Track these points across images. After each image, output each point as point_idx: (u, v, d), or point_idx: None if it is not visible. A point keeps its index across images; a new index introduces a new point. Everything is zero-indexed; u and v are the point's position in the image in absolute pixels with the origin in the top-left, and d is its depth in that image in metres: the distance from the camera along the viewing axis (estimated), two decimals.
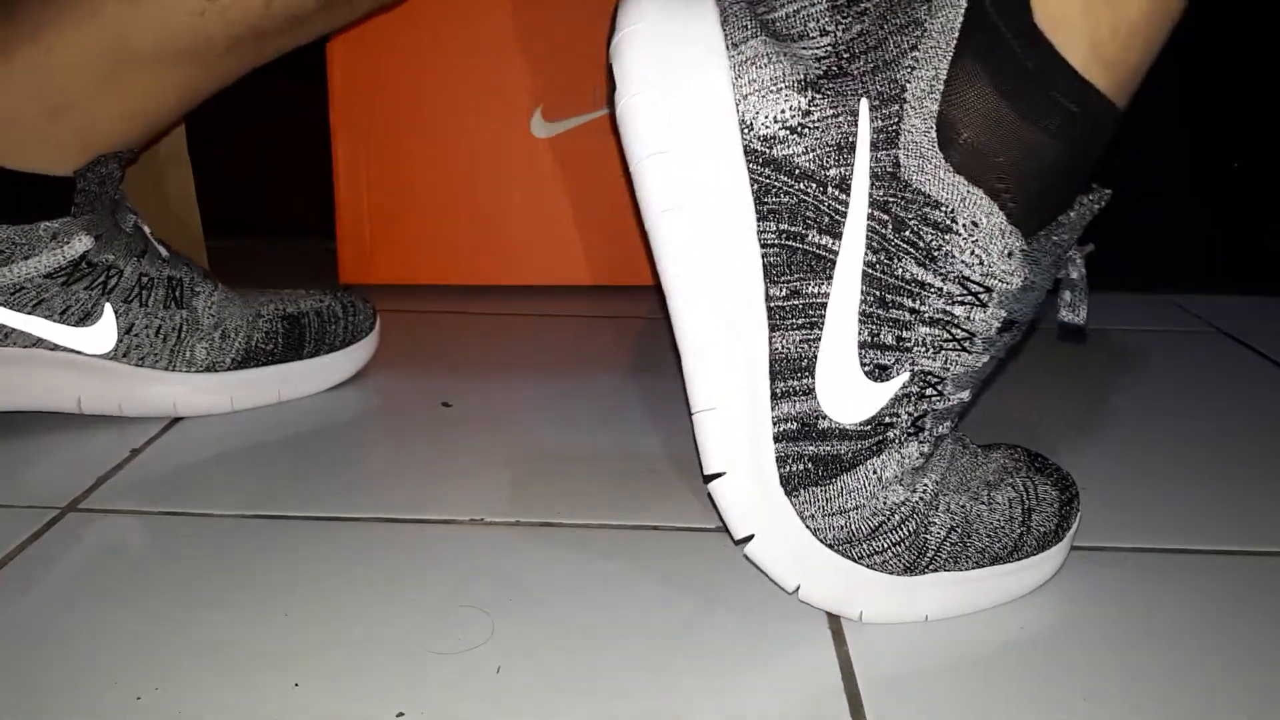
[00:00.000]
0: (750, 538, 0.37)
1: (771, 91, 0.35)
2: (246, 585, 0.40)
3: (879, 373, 0.36)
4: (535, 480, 0.48)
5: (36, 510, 0.45)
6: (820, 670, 0.35)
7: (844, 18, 0.35)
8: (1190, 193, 0.82)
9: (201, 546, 0.42)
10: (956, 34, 0.33)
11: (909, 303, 0.35)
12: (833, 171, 0.35)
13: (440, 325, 0.71)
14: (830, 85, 0.35)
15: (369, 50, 0.72)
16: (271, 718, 0.32)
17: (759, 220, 0.35)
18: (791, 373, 0.36)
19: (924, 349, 0.36)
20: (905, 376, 0.36)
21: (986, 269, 0.35)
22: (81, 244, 0.51)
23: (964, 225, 0.34)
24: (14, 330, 0.51)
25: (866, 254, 0.35)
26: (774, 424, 0.37)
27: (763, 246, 0.35)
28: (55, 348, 0.52)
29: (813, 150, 0.35)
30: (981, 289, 0.35)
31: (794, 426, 0.36)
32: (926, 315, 0.35)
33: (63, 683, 0.34)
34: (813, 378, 0.36)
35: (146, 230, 0.56)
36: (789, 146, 0.35)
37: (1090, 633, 0.37)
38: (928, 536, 0.37)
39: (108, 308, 0.52)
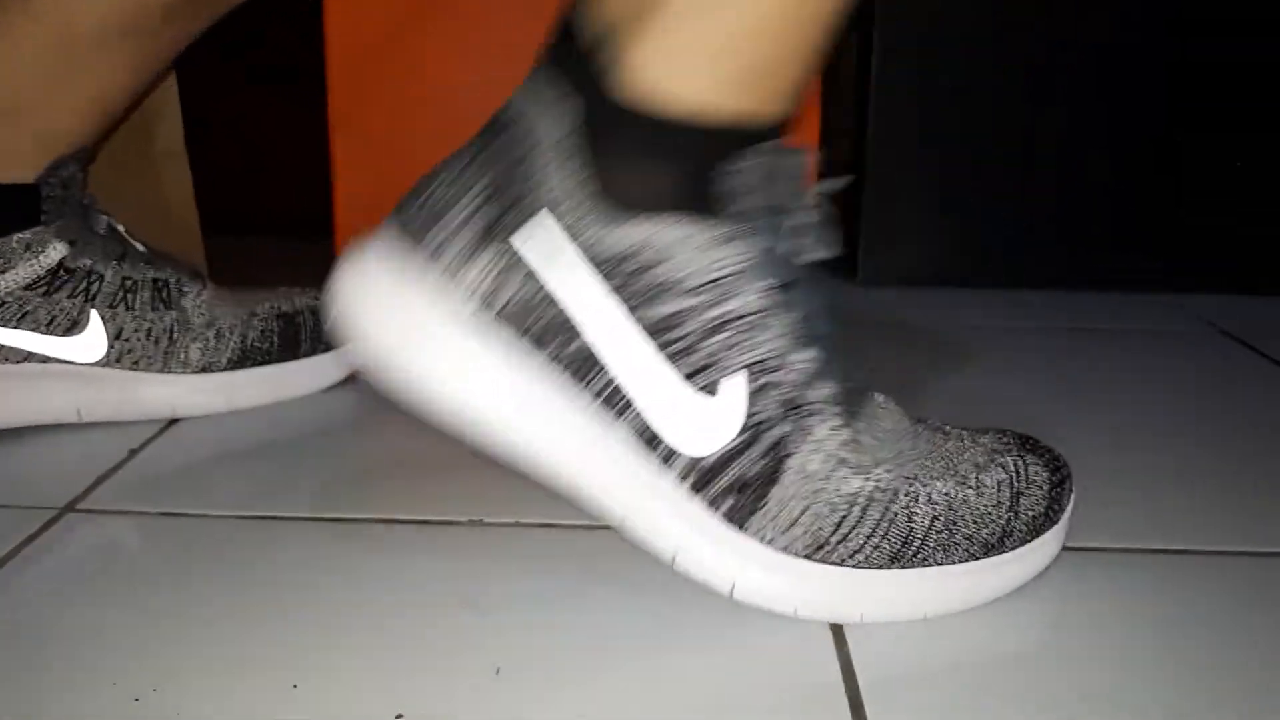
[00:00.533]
0: (733, 585, 0.38)
1: (464, 265, 0.37)
2: (245, 586, 0.40)
3: (712, 389, 0.37)
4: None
5: (35, 510, 0.45)
6: (820, 670, 0.35)
7: (475, 174, 0.38)
8: (1191, 192, 0.82)
9: (200, 547, 0.42)
10: (569, 134, 0.36)
11: (688, 327, 0.36)
12: (539, 293, 0.37)
13: None
14: (496, 230, 0.37)
15: (368, 47, 0.72)
16: (271, 718, 0.32)
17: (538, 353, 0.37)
18: (652, 440, 0.37)
19: (728, 349, 0.36)
20: (740, 377, 0.36)
21: (713, 270, 0.36)
22: (57, 251, 0.51)
23: (666, 255, 0.36)
24: (3, 346, 0.50)
25: (624, 317, 0.36)
26: (681, 482, 0.37)
27: (555, 366, 0.37)
28: (48, 360, 0.52)
29: (512, 285, 0.37)
30: (723, 284, 0.36)
31: (694, 476, 0.37)
32: (709, 327, 0.36)
33: (61, 683, 0.33)
34: (662, 438, 0.37)
35: (121, 229, 0.55)
36: (501, 295, 0.37)
37: (1089, 633, 0.37)
38: (911, 525, 0.37)
39: (94, 314, 0.52)
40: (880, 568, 0.37)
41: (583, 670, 0.35)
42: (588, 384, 0.37)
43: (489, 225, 0.37)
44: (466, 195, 0.37)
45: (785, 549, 0.37)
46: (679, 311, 0.36)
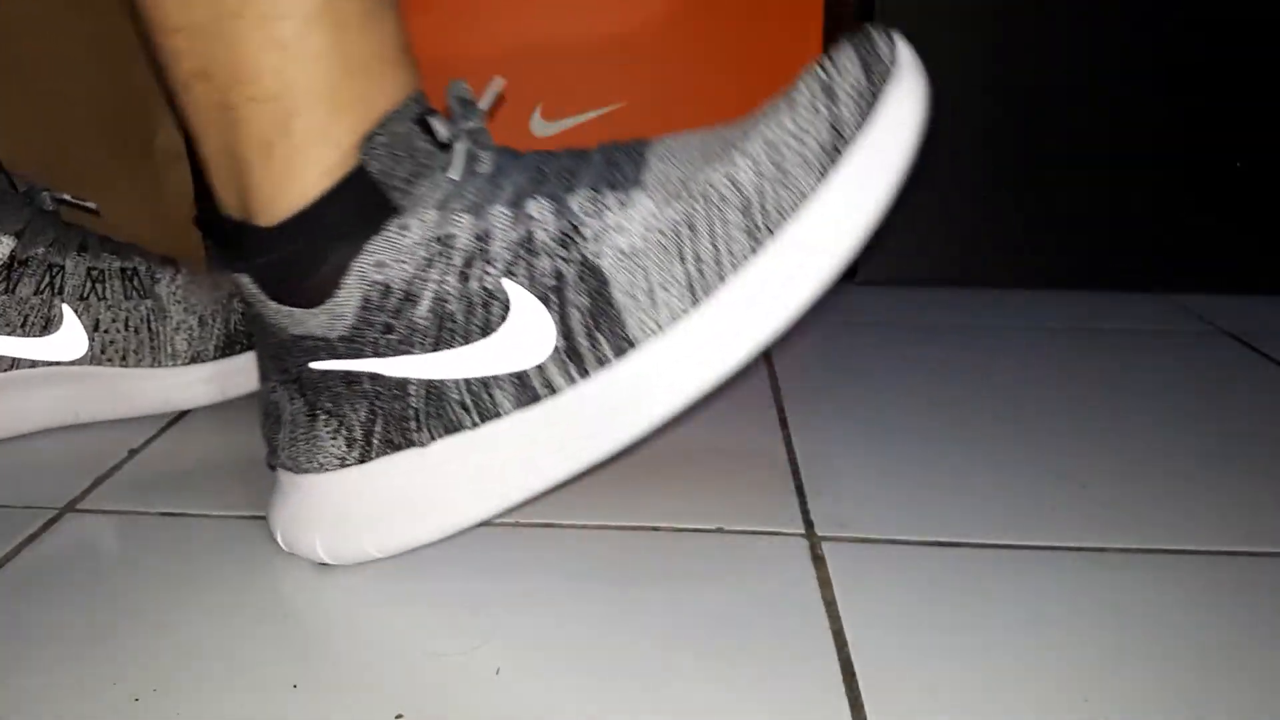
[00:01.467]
0: (671, 390, 0.39)
1: (309, 451, 0.41)
2: (245, 586, 0.40)
3: (504, 315, 0.38)
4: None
5: (35, 511, 0.45)
6: (820, 670, 0.35)
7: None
8: (1191, 192, 0.82)
9: (200, 547, 0.42)
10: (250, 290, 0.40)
11: (451, 305, 0.38)
12: (358, 392, 0.40)
13: None
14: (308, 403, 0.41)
15: None
16: (270, 718, 0.32)
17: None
18: (534, 397, 0.39)
19: (484, 282, 0.38)
20: (509, 286, 0.38)
21: (425, 253, 0.38)
22: (3, 245, 0.50)
23: (388, 286, 0.38)
24: None
25: (406, 361, 0.39)
26: (582, 378, 0.38)
27: (420, 437, 0.40)
28: (34, 364, 0.51)
29: (349, 421, 0.40)
30: (444, 253, 0.38)
31: (573, 366, 0.38)
32: (461, 286, 0.38)
33: (60, 683, 0.33)
34: (534, 386, 0.39)
35: (68, 197, 0.54)
36: (354, 434, 0.40)
37: (1090, 633, 0.37)
38: (740, 192, 0.37)
39: (65, 309, 0.51)
40: (752, 251, 0.37)
41: (583, 670, 0.35)
42: (453, 412, 0.39)
43: (306, 410, 0.40)
44: (279, 406, 0.41)
45: (674, 316, 0.37)
46: (432, 305, 0.38)
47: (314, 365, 0.39)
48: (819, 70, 0.38)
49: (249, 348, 0.56)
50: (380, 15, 0.39)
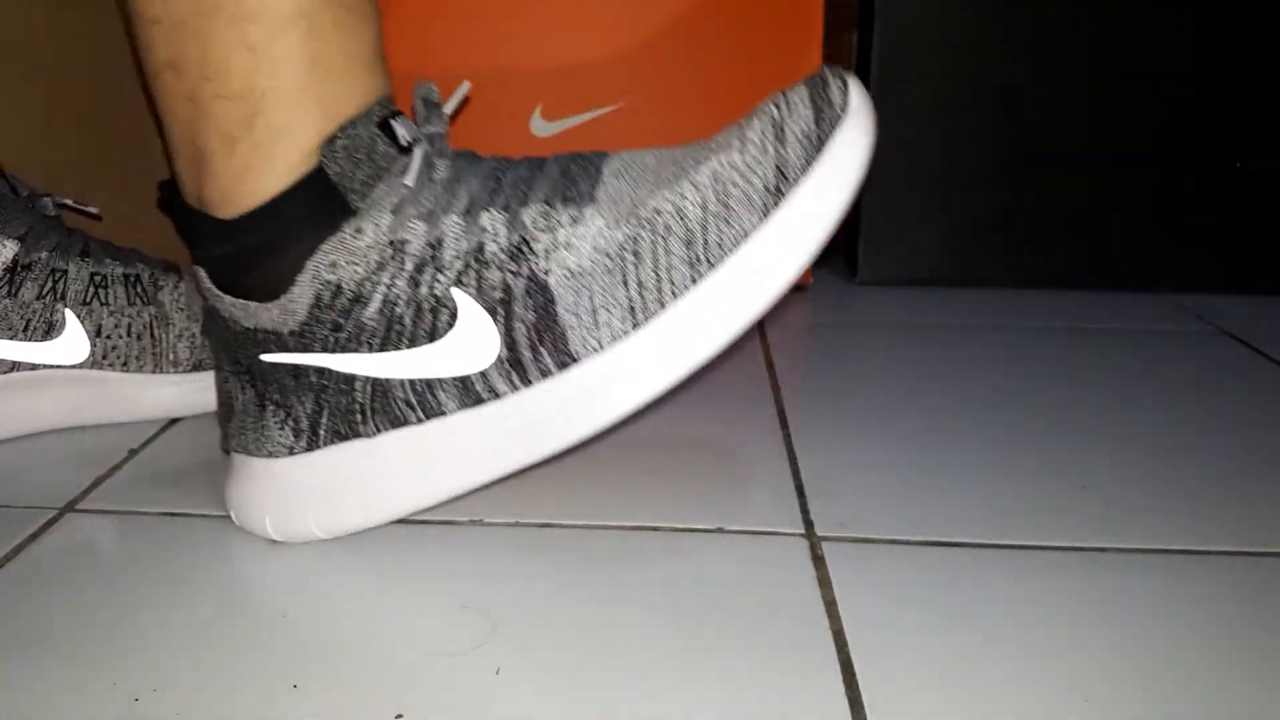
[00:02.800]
0: (614, 401, 0.39)
1: (258, 438, 0.42)
2: (244, 586, 0.40)
3: (450, 324, 0.39)
4: (535, 480, 0.48)
5: (34, 511, 0.45)
6: (820, 670, 0.35)
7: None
8: (1191, 192, 0.82)
9: (199, 547, 0.42)
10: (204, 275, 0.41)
11: (399, 309, 0.39)
12: (302, 380, 0.41)
13: None
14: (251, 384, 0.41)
15: None
16: (271, 718, 0.32)
17: None
18: (478, 399, 0.40)
19: (433, 289, 0.39)
20: (457, 295, 0.39)
21: (375, 259, 0.38)
22: (7, 249, 0.50)
23: (335, 285, 0.39)
24: None
25: (354, 358, 0.40)
26: (518, 389, 0.39)
27: (367, 429, 0.41)
28: (35, 367, 0.51)
29: (295, 407, 0.41)
30: (394, 259, 0.38)
31: (514, 374, 0.39)
32: (410, 291, 0.39)
33: (60, 684, 0.33)
34: (476, 388, 0.40)
35: (70, 201, 0.55)
36: (298, 422, 0.41)
37: (1090, 633, 0.37)
38: (685, 223, 0.38)
39: (68, 314, 0.52)
40: (693, 281, 0.38)
41: (582, 671, 0.35)
42: (398, 407, 0.40)
43: (255, 399, 0.41)
44: (231, 395, 0.42)
45: (615, 337, 0.38)
46: (381, 308, 0.39)
47: (264, 358, 0.40)
48: (773, 108, 0.38)
49: None
50: (353, 20, 0.39)
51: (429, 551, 0.42)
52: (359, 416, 0.40)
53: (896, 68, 0.82)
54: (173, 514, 0.45)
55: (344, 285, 0.39)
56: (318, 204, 0.38)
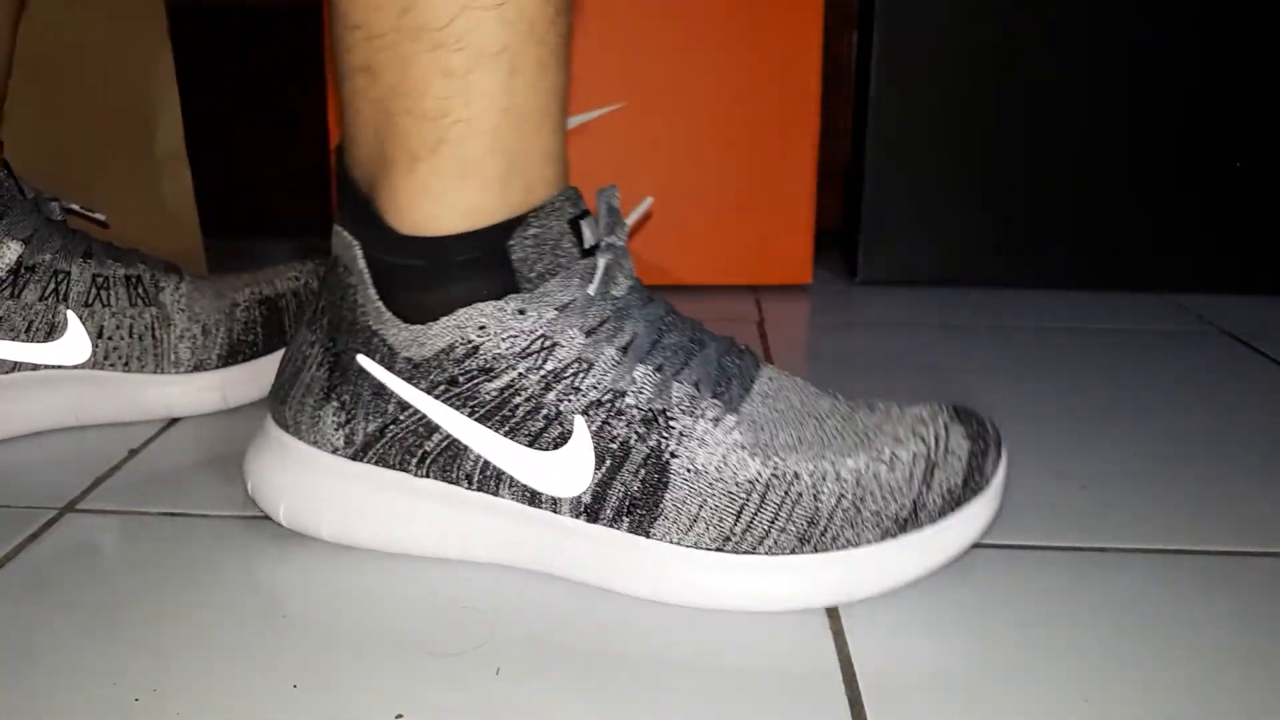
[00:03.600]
0: (655, 589, 0.39)
1: (314, 426, 0.42)
2: (244, 586, 0.40)
3: (560, 442, 0.38)
4: None
5: (34, 511, 0.45)
6: (820, 670, 0.35)
7: (311, 331, 0.42)
8: (1191, 192, 0.82)
9: (199, 547, 0.42)
10: (363, 269, 0.39)
11: (516, 400, 0.38)
12: (391, 403, 0.40)
13: None
14: (335, 376, 0.41)
15: None
16: (271, 718, 0.32)
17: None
18: (534, 499, 0.39)
19: (559, 405, 0.38)
20: (578, 422, 0.38)
21: (518, 343, 0.38)
22: (12, 250, 0.50)
23: (473, 344, 0.38)
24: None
25: (455, 411, 0.39)
26: (576, 519, 0.39)
27: (422, 469, 0.40)
28: (37, 367, 0.51)
29: (363, 413, 0.40)
30: (533, 351, 0.38)
31: (583, 512, 0.39)
32: (536, 392, 0.38)
33: (60, 683, 0.33)
34: (540, 492, 0.39)
35: (78, 207, 0.55)
36: (356, 430, 0.41)
37: (1090, 633, 0.37)
38: (816, 505, 0.37)
39: (70, 315, 0.52)
40: (790, 552, 0.37)
41: (582, 671, 0.35)
42: (459, 471, 0.39)
43: (326, 385, 0.41)
44: (306, 362, 0.41)
45: (694, 546, 0.38)
46: (504, 389, 0.38)
47: (361, 359, 0.40)
48: (932, 440, 0.39)
49: (251, 357, 0.56)
50: (552, 64, 0.38)
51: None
52: (416, 459, 0.40)
53: (896, 68, 0.82)
54: (173, 514, 0.45)
55: (482, 351, 0.38)
56: (488, 266, 0.38)
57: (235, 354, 0.55)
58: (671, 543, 0.38)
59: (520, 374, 0.38)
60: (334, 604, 0.38)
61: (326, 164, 0.75)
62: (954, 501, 0.39)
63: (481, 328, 0.38)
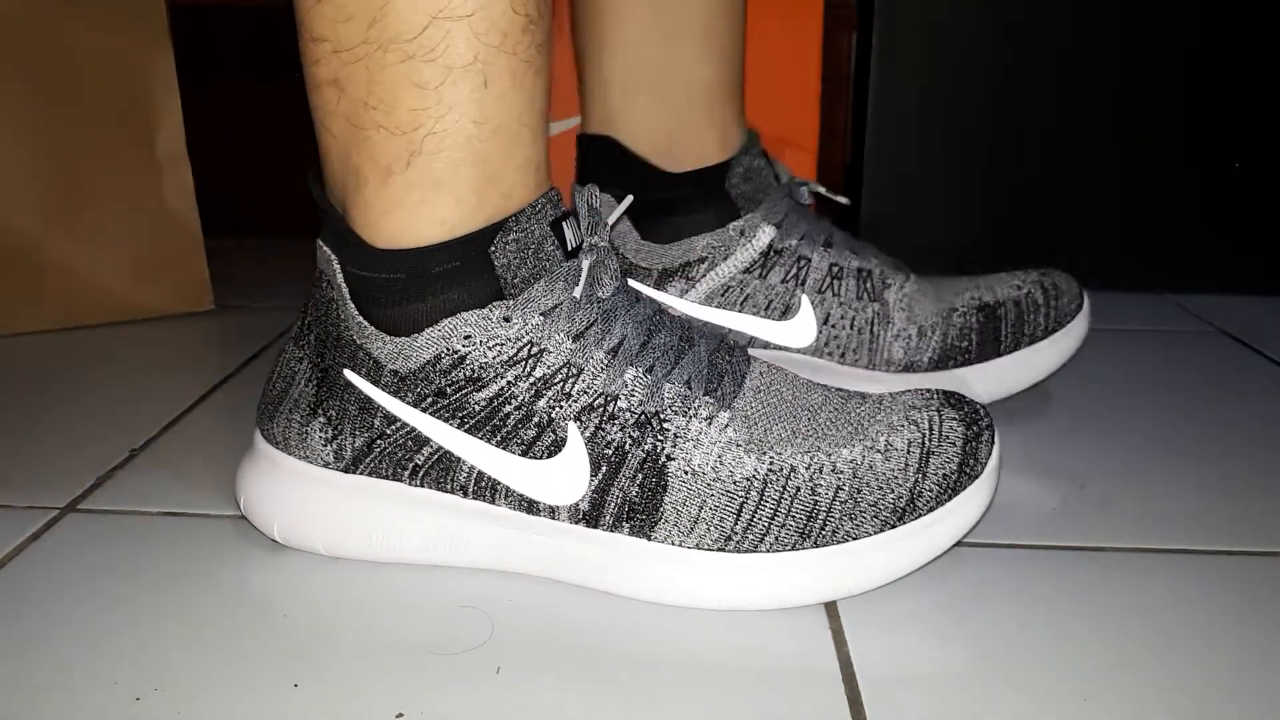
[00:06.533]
0: (659, 592, 0.38)
1: (303, 441, 0.41)
2: (245, 586, 0.40)
3: (554, 450, 0.38)
4: None
5: (36, 510, 0.45)
6: (820, 670, 0.35)
7: (298, 349, 0.42)
8: (1191, 192, 0.82)
9: (200, 547, 0.42)
10: (340, 284, 0.39)
11: (506, 409, 0.38)
12: (379, 416, 0.39)
13: None
14: (322, 392, 0.40)
15: None
16: (271, 718, 0.32)
17: None
18: (531, 507, 0.39)
19: (550, 412, 0.38)
20: (571, 429, 0.38)
21: (504, 351, 0.38)
22: (766, 234, 0.53)
23: (458, 354, 0.38)
24: (731, 330, 0.53)
25: (443, 424, 0.39)
26: (574, 525, 0.39)
27: (414, 478, 0.40)
28: (766, 345, 0.54)
29: (350, 427, 0.40)
30: (520, 359, 0.38)
31: (581, 519, 0.38)
32: (526, 400, 0.38)
33: (62, 683, 0.34)
34: (537, 500, 0.39)
35: (824, 190, 0.57)
36: (345, 443, 0.40)
37: (1090, 633, 0.37)
38: (815, 499, 0.37)
39: (804, 299, 0.53)
40: (793, 548, 0.37)
41: (582, 671, 0.35)
42: (453, 483, 0.39)
43: (313, 400, 0.40)
44: (295, 378, 0.41)
45: (696, 547, 0.38)
46: (493, 398, 0.38)
47: (347, 374, 0.39)
48: (928, 426, 0.39)
49: (963, 364, 0.55)
50: (527, 73, 0.38)
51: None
52: (408, 472, 0.39)
53: (896, 68, 0.82)
54: (173, 514, 0.45)
55: (469, 360, 0.38)
56: (470, 274, 0.37)
57: (947, 359, 0.54)
58: (673, 545, 0.38)
59: (509, 382, 0.38)
60: (334, 604, 0.38)
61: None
62: (950, 490, 0.38)
63: (467, 337, 0.38)
